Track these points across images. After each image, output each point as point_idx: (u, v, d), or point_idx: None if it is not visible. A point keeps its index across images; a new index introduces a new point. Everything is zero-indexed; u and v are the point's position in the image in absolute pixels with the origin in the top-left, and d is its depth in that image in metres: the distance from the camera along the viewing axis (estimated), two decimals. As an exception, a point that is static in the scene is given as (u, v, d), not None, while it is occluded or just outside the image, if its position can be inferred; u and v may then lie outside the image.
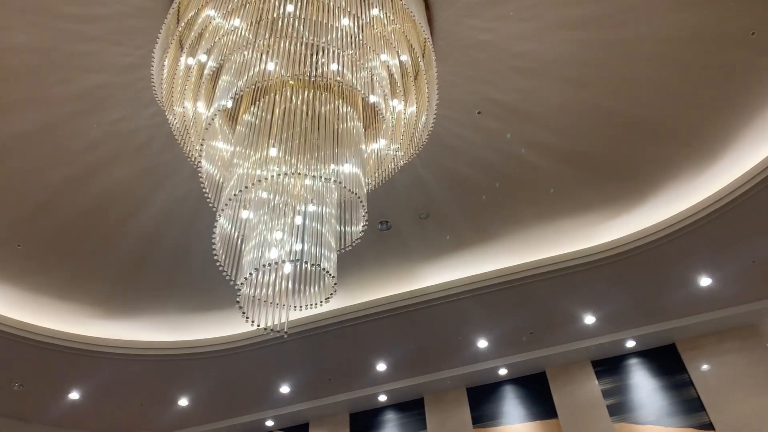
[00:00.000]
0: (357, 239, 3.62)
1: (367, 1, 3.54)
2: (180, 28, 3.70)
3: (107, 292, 6.89)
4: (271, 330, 2.88)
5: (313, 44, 3.26)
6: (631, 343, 8.72)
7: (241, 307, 2.93)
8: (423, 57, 4.07)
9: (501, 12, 4.50)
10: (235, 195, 3.12)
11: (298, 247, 3.10)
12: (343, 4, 3.43)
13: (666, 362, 8.67)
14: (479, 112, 5.37)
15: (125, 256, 6.38)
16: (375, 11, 3.60)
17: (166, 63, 3.81)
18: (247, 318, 2.92)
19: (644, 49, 4.93)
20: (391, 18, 3.67)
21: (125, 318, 7.33)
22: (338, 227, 3.57)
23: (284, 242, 3.07)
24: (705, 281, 7.56)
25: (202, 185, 3.66)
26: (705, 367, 8.40)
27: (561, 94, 5.28)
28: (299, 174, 3.13)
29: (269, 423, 9.57)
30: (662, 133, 5.83)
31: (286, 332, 2.86)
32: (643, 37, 4.82)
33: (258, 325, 2.92)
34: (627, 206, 6.80)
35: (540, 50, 4.85)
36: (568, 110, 5.45)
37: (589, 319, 8.10)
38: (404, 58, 3.84)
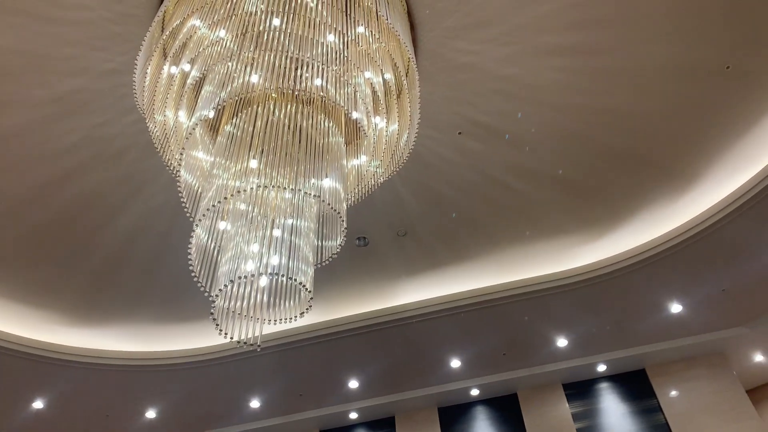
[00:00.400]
0: (334, 254, 3.61)
1: (352, 19, 3.57)
2: (164, 37, 3.69)
3: (78, 299, 6.75)
4: (245, 343, 2.85)
5: (297, 58, 3.27)
6: (602, 367, 8.79)
7: (214, 319, 2.89)
8: (407, 76, 4.10)
9: (485, 35, 4.56)
10: (213, 206, 3.09)
11: (274, 260, 3.08)
12: (329, 20, 3.45)
13: (636, 387, 8.75)
14: (460, 133, 5.42)
15: (98, 263, 6.27)
16: (360, 29, 3.63)
17: (148, 71, 3.79)
18: (221, 330, 2.89)
19: (623, 79, 5.04)
20: (377, 36, 3.70)
21: (95, 326, 7.19)
22: (316, 242, 3.56)
23: (261, 255, 3.05)
24: (676, 308, 7.67)
25: (180, 195, 3.63)
26: (674, 393, 8.49)
27: (541, 119, 5.35)
28: (279, 187, 3.12)
29: (238, 438, 9.42)
30: (638, 161, 5.93)
31: (259, 345, 2.83)
32: (623, 66, 4.93)
33: (231, 338, 2.89)
34: (601, 231, 6.90)
35: (522, 75, 4.92)
36: (546, 134, 5.52)
37: (562, 342, 8.16)
38: (388, 76, 3.87)
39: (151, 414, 8.55)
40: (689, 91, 5.21)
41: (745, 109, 5.48)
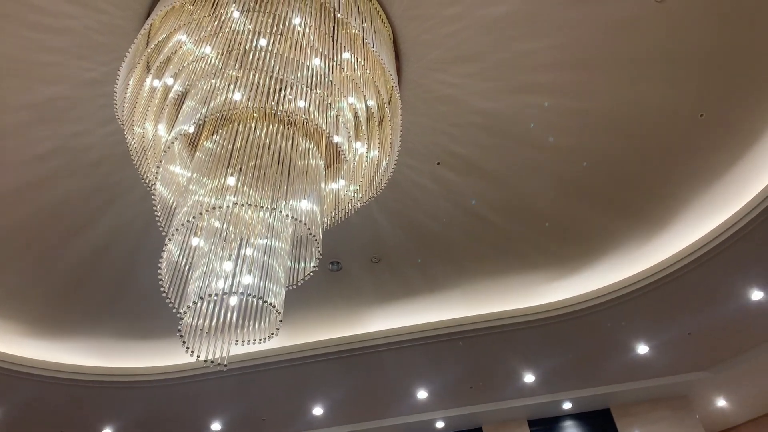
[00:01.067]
0: (307, 277, 3.58)
1: (339, 45, 3.61)
2: (149, 50, 3.68)
3: (41, 311, 6.57)
4: (211, 362, 2.79)
5: (282, 79, 3.28)
6: (567, 405, 8.81)
7: (181, 336, 2.83)
8: (389, 103, 4.14)
9: (468, 70, 4.64)
10: (187, 221, 3.06)
11: (246, 279, 3.04)
12: (316, 44, 3.48)
13: (600, 426, 8.78)
14: (438, 163, 5.47)
15: (64, 274, 6.13)
16: (346, 55, 3.66)
17: (131, 82, 3.76)
18: (188, 348, 2.83)
19: (599, 121, 5.15)
20: (362, 63, 3.73)
21: (57, 339, 6.99)
22: (289, 263, 3.53)
23: (233, 273, 3.01)
24: (642, 349, 7.74)
25: (154, 209, 3.58)
26: (637, 433, 8.52)
27: (517, 154, 5.43)
28: (255, 206, 3.10)
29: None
30: (610, 202, 6.04)
31: (225, 366, 2.78)
32: (599, 108, 5.04)
33: (198, 357, 2.83)
34: (571, 269, 6.97)
35: (501, 110, 5.00)
36: (522, 170, 5.60)
37: (529, 378, 8.17)
38: (371, 102, 3.91)
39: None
40: (663, 136, 5.34)
41: (716, 158, 5.63)
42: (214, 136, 3.49)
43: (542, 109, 4.99)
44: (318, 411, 8.47)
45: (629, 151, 5.48)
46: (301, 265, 3.62)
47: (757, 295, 6.78)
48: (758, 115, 5.23)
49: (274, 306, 3.08)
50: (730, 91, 4.99)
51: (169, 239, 3.18)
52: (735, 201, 6.00)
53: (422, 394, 8.33)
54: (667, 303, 6.98)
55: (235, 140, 3.38)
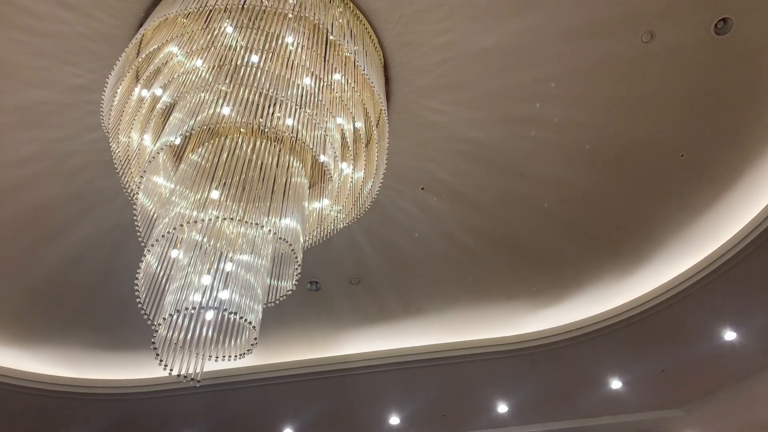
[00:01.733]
0: (285, 295, 3.56)
1: (330, 66, 3.63)
2: (139, 60, 3.67)
3: (9, 316, 6.42)
4: (184, 377, 2.75)
5: (271, 96, 3.29)
6: (540, 437, 8.75)
7: (155, 349, 2.79)
8: (377, 126, 4.17)
9: (456, 98, 4.69)
10: (168, 232, 3.03)
11: (224, 294, 3.01)
12: (308, 64, 3.50)
13: (572, 460, 8.72)
14: (423, 188, 5.49)
15: (37, 281, 6.01)
16: (337, 76, 3.69)
17: (119, 91, 3.75)
18: (161, 361, 2.78)
19: (582, 154, 5.22)
20: (352, 85, 3.76)
21: (25, 347, 6.81)
22: (268, 281, 3.50)
23: (211, 288, 2.98)
24: (616, 384, 7.75)
25: (134, 219, 3.55)
26: (608, 469, 8.49)
27: (501, 184, 5.48)
28: (238, 220, 3.08)
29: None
30: (590, 237, 6.10)
31: (199, 381, 2.73)
32: (583, 142, 5.11)
33: (171, 371, 2.78)
34: (549, 301, 6.99)
35: (487, 140, 5.05)
36: (505, 200, 5.64)
37: (502, 408, 8.13)
38: (359, 124, 3.93)
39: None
40: (645, 173, 5.42)
41: (696, 198, 5.72)
42: (200, 149, 3.48)
43: (528, 139, 5.06)
44: (288, 432, 8.36)
45: (611, 187, 5.55)
46: (280, 283, 3.59)
47: (729, 335, 6.84)
48: (738, 158, 5.34)
49: (250, 323, 3.05)
50: (712, 134, 5.09)
51: (148, 250, 3.15)
52: (712, 241, 6.08)
53: (394, 420, 8.24)
54: (641, 339, 7.02)
55: (220, 154, 3.37)
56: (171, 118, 3.41)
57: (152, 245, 3.11)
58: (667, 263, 6.39)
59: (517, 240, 6.09)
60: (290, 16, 3.52)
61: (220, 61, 3.37)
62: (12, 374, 6.83)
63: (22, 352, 6.87)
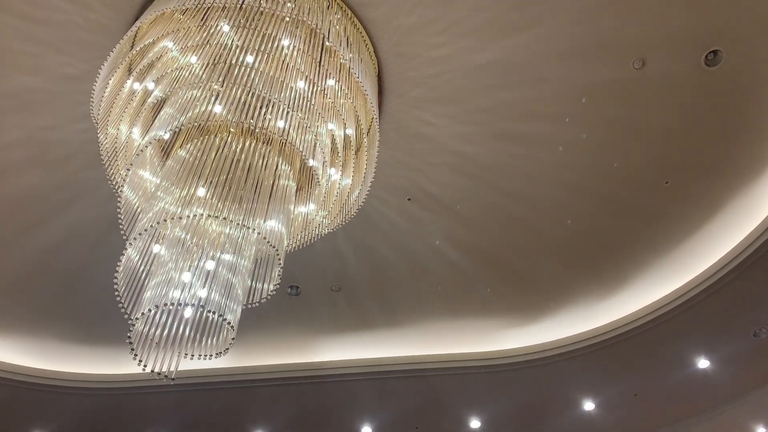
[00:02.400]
0: (266, 297, 3.54)
1: (325, 71, 3.64)
2: (133, 52, 3.65)
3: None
4: (158, 374, 2.72)
5: (264, 97, 3.29)
6: (511, 455, 8.75)
7: (131, 343, 2.76)
8: (368, 134, 4.18)
9: (448, 111, 4.72)
10: (151, 227, 3.01)
11: (203, 292, 2.99)
12: (303, 68, 3.51)
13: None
14: (409, 199, 5.51)
15: (14, 269, 5.93)
16: (331, 82, 3.70)
17: (110, 82, 3.72)
18: (135, 356, 2.76)
19: (571, 175, 5.28)
20: (345, 92, 3.77)
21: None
22: (249, 282, 3.48)
23: (191, 285, 2.96)
24: (588, 406, 7.78)
25: (117, 211, 3.52)
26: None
27: (486, 199, 5.51)
28: (222, 219, 3.07)
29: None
30: (571, 257, 6.15)
31: (173, 379, 2.71)
32: (571, 163, 5.16)
33: (145, 367, 2.75)
34: (528, 318, 7.02)
35: (477, 154, 5.08)
36: (489, 214, 5.68)
37: (475, 424, 8.12)
38: (350, 131, 3.94)
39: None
40: (629, 198, 5.49)
41: (679, 224, 5.78)
42: (188, 146, 3.46)
43: (518, 157, 5.10)
44: (259, 436, 8.28)
45: (596, 210, 5.61)
46: (261, 285, 3.57)
47: (703, 363, 6.91)
48: (720, 187, 5.42)
49: (229, 323, 3.03)
50: (696, 162, 5.17)
51: (130, 244, 3.12)
52: (691, 269, 6.15)
53: (366, 430, 8.21)
54: (616, 362, 7.06)
55: (209, 152, 3.36)
56: (161, 112, 3.39)
57: (134, 239, 3.09)
58: (647, 288, 6.45)
59: (500, 256, 6.12)
60: (287, 19, 3.53)
61: (215, 59, 3.37)
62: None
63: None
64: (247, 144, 3.44)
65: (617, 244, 6.02)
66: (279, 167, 3.53)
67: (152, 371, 2.73)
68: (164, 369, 2.76)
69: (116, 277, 3.17)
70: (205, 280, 3.04)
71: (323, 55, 3.65)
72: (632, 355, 6.94)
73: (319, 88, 3.55)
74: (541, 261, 6.20)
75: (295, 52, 3.51)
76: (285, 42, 3.49)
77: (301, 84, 3.48)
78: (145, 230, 3.03)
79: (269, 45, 3.42)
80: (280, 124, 3.27)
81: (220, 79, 3.27)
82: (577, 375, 7.29)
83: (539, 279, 6.46)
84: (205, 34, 3.44)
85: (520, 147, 5.01)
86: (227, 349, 3.11)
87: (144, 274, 3.16)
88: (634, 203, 5.54)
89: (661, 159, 5.14)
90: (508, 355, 7.17)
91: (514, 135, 4.93)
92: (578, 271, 6.34)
